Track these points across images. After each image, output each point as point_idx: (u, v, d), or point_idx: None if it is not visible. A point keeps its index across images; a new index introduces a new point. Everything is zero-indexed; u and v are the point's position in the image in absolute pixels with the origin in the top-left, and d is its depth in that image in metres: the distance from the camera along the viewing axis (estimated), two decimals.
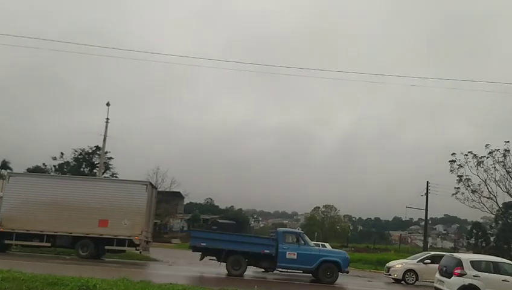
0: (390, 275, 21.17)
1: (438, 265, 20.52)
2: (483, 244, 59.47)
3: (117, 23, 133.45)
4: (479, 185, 38.26)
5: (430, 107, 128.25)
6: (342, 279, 17.63)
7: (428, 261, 20.60)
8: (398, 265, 21.36)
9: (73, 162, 58.20)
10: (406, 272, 20.57)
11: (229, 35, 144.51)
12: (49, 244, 19.53)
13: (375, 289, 18.17)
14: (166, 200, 52.00)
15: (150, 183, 21.67)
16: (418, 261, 21.01)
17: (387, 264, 22.34)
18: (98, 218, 19.47)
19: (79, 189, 20.05)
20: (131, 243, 19.54)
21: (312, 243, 19.25)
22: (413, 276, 20.42)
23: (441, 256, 22.41)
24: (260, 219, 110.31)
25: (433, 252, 23.43)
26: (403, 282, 20.50)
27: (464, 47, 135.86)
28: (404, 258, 24.15)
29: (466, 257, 14.95)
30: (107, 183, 23.19)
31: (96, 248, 19.62)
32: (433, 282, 20.30)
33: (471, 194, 38.56)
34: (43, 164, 58.36)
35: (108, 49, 39.89)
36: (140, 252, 20.52)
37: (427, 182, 46.29)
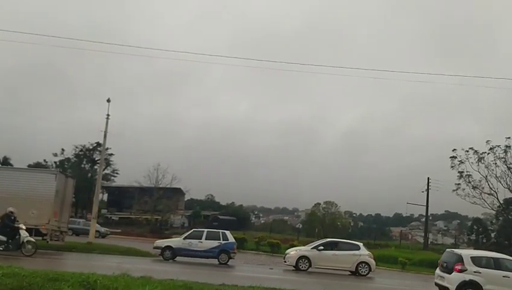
0: (286, 262, 21.06)
1: (331, 252, 20.72)
2: (484, 241, 59.45)
3: (119, 19, 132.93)
4: (480, 181, 38.54)
5: (433, 104, 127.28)
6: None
7: (322, 247, 20.68)
8: (293, 252, 21.32)
9: (74, 159, 58.37)
10: (299, 259, 20.43)
11: (233, 32, 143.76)
12: None
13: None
14: (167, 197, 52.02)
15: (61, 172, 21.39)
16: (312, 248, 21.02)
17: (286, 252, 22.45)
18: (4, 207, 19.23)
19: None
20: (39, 233, 19.24)
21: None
22: (307, 263, 20.33)
23: (337, 243, 22.22)
24: (261, 215, 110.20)
25: (328, 239, 23.45)
26: (298, 269, 20.27)
27: (470, 43, 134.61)
28: (403, 253, 24.10)
29: (467, 252, 14.99)
30: (14, 172, 22.76)
31: None
32: (327, 268, 20.41)
33: (472, 190, 38.81)
34: (44, 160, 58.63)
35: (110, 45, 39.90)
36: (48, 242, 20.08)
37: (428, 178, 46.48)
